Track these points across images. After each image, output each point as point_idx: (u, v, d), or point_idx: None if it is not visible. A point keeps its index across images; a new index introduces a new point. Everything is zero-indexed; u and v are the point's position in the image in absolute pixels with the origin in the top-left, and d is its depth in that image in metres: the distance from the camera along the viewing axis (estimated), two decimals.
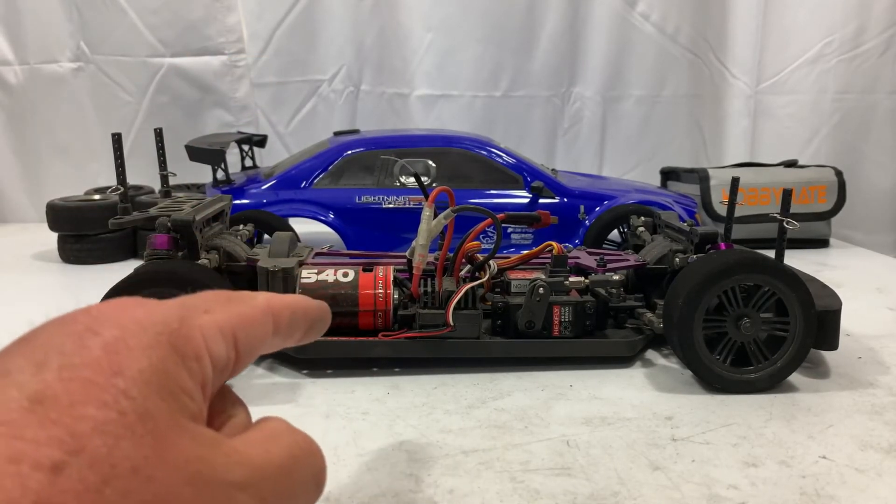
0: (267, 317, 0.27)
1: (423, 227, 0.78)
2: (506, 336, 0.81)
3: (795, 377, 0.77)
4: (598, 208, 1.28)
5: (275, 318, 0.28)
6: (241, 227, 0.99)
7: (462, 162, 1.28)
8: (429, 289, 0.80)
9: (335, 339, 0.79)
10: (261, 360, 0.82)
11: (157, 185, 1.35)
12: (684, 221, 0.92)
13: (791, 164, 1.56)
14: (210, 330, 0.24)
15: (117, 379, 0.20)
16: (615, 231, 1.29)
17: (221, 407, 0.27)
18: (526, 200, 1.27)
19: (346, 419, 0.68)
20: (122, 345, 0.20)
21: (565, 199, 1.28)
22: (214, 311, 0.25)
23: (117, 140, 1.00)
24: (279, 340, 0.29)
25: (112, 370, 0.20)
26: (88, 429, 0.18)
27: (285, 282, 0.80)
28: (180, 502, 0.19)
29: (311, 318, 0.31)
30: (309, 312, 0.30)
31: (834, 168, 1.53)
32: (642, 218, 1.02)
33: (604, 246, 1.25)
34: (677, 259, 0.85)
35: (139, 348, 0.21)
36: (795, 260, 0.97)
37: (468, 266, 0.83)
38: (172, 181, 1.29)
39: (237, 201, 1.21)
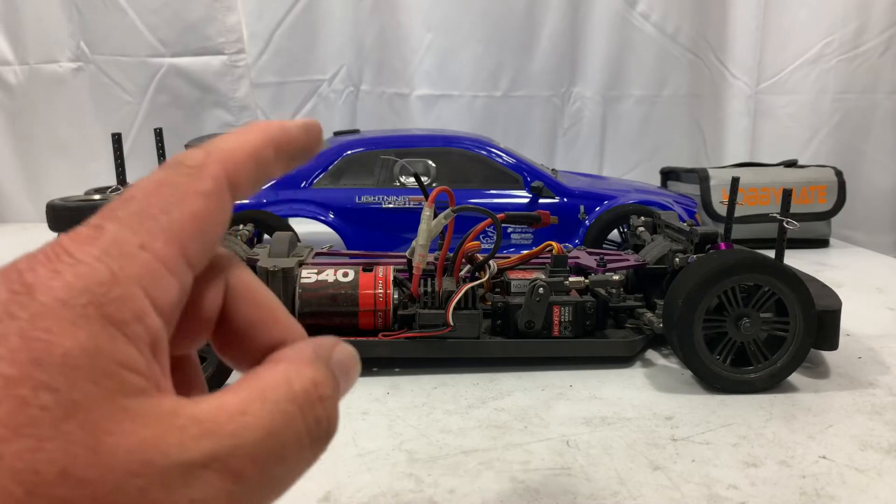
0: (220, 195, 0.22)
1: (423, 227, 0.78)
2: (506, 336, 0.81)
3: (795, 377, 0.77)
4: (598, 208, 1.28)
5: (232, 184, 0.22)
6: (241, 227, 0.99)
7: (462, 162, 1.28)
8: (429, 289, 0.80)
9: None
10: None
11: None
12: (684, 221, 0.92)
13: (791, 164, 1.56)
14: (151, 274, 0.20)
15: (37, 370, 0.17)
16: (615, 231, 1.29)
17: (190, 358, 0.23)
18: (526, 200, 1.27)
19: (345, 419, 0.68)
20: (41, 326, 0.17)
21: (565, 199, 1.28)
22: (152, 238, 0.20)
23: (117, 140, 1.00)
24: (249, 191, 0.23)
25: (31, 360, 0.17)
26: (6, 433, 0.16)
27: (285, 282, 0.80)
28: (128, 499, 0.17)
29: (287, 151, 0.24)
30: (280, 144, 0.24)
31: (834, 168, 1.53)
32: (642, 218, 1.02)
33: (604, 246, 1.25)
34: (677, 259, 0.85)
35: (63, 328, 0.18)
36: (795, 260, 0.97)
37: (468, 266, 0.83)
38: None
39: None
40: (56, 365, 0.17)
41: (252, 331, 0.24)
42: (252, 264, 0.84)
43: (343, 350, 0.24)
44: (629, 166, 1.88)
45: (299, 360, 0.22)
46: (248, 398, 0.20)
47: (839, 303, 0.80)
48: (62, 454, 0.16)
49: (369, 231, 1.24)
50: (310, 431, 0.21)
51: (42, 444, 0.16)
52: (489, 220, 0.80)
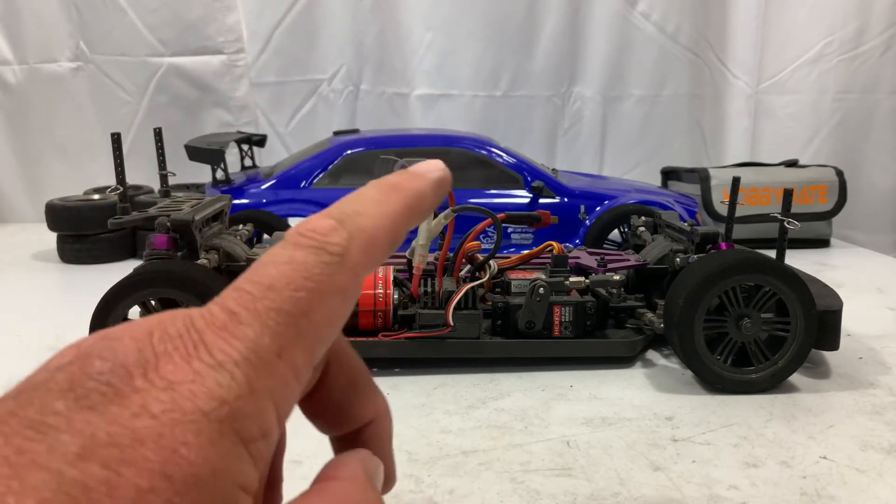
0: (356, 287, 0.20)
1: (423, 226, 0.78)
2: (506, 336, 0.81)
3: (796, 377, 0.77)
4: (598, 208, 1.28)
5: (369, 271, 0.21)
6: (241, 226, 0.99)
7: (462, 162, 1.27)
8: (429, 289, 0.80)
9: None
10: None
11: (156, 185, 1.35)
12: (685, 221, 0.91)
13: (792, 163, 1.56)
14: (284, 387, 0.19)
15: (165, 484, 0.16)
16: (615, 231, 1.28)
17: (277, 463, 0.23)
18: (526, 200, 1.27)
19: None
20: (177, 435, 0.17)
21: (565, 199, 1.28)
22: (290, 346, 0.19)
23: (116, 140, 1.00)
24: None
25: (161, 471, 0.16)
26: None
27: None
28: None
29: (424, 212, 0.23)
30: (422, 209, 0.22)
31: (834, 168, 1.53)
32: (643, 218, 1.02)
33: (604, 246, 1.25)
34: (678, 259, 0.85)
35: (197, 441, 0.17)
36: (796, 260, 0.97)
37: (468, 266, 0.83)
38: (172, 181, 1.29)
39: (237, 201, 1.21)
40: (183, 482, 0.17)
41: (344, 398, 0.24)
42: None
43: (379, 468, 0.23)
44: (629, 166, 1.88)
45: (360, 487, 0.21)
46: None
47: (840, 303, 0.79)
48: None
49: None
50: None
51: None
52: (489, 220, 0.79)
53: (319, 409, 0.24)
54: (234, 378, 0.18)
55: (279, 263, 0.19)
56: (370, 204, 0.21)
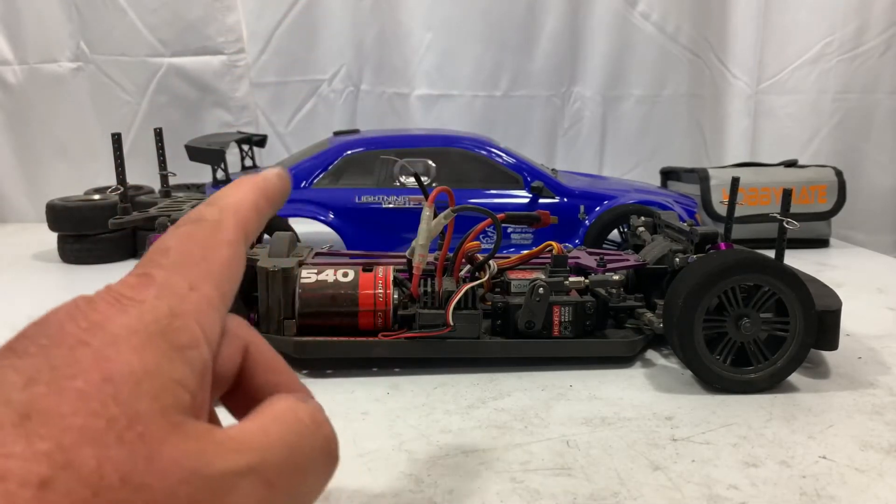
0: (240, 244, 0.26)
1: (423, 227, 0.78)
2: (506, 336, 0.81)
3: (795, 377, 0.77)
4: (598, 208, 1.28)
5: (245, 234, 0.27)
6: None
7: (462, 162, 1.27)
8: (429, 289, 0.80)
9: (335, 339, 0.79)
10: None
11: (156, 185, 1.35)
12: (684, 221, 0.91)
13: (791, 164, 1.56)
14: (202, 311, 0.23)
15: (107, 385, 0.19)
16: (615, 231, 1.28)
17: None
18: (526, 200, 1.27)
19: (346, 419, 0.68)
20: (112, 350, 0.20)
21: (565, 199, 1.28)
22: (198, 282, 0.24)
23: (117, 140, 1.00)
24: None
25: (102, 377, 0.19)
26: (76, 440, 0.18)
27: (285, 282, 0.80)
28: None
29: (273, 199, 0.30)
30: (268, 194, 0.30)
31: (834, 168, 1.53)
32: (642, 218, 1.02)
33: (604, 246, 1.25)
34: (677, 259, 0.85)
35: (130, 350, 0.20)
36: (795, 260, 0.97)
37: (468, 266, 0.83)
38: (172, 181, 1.29)
39: None
40: (123, 381, 0.19)
41: (264, 394, 0.27)
42: (252, 264, 0.84)
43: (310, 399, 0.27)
44: (629, 166, 1.88)
45: (294, 398, 0.26)
46: (266, 423, 0.23)
47: (839, 303, 0.80)
48: (124, 461, 0.18)
49: (369, 231, 1.24)
50: (321, 448, 0.25)
51: (107, 452, 0.18)
52: (489, 220, 0.79)
53: (243, 402, 0.27)
54: (156, 306, 0.22)
55: (169, 237, 0.25)
56: (229, 190, 0.28)
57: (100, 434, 0.18)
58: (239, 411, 0.27)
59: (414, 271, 0.79)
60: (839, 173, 1.51)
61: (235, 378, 0.27)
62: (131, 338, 0.20)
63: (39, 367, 0.19)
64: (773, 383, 0.75)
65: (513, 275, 0.84)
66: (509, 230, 1.25)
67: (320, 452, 0.25)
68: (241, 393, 0.27)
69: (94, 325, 0.21)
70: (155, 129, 1.22)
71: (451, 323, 0.77)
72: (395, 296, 0.80)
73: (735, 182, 0.90)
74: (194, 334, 0.22)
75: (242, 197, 0.28)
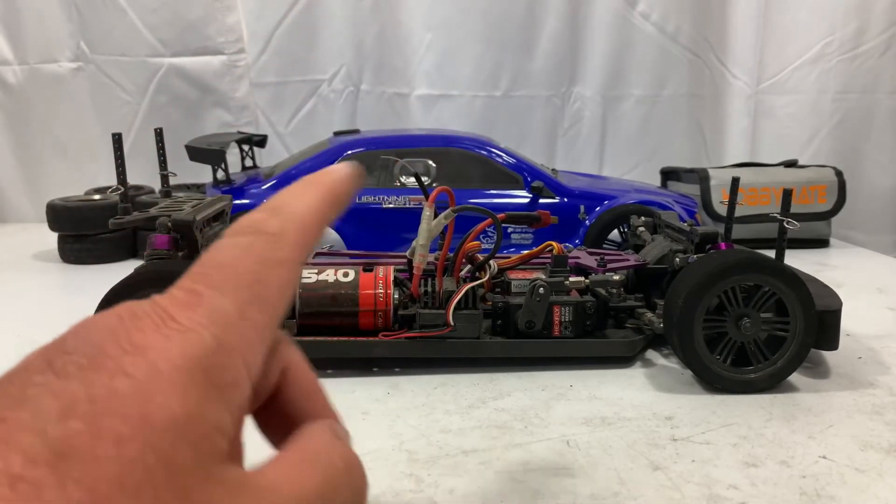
0: (298, 264, 0.24)
1: (423, 227, 0.78)
2: (506, 336, 0.81)
3: (795, 377, 0.77)
4: (598, 208, 1.28)
5: (306, 252, 0.24)
6: None
7: (462, 162, 1.27)
8: (429, 289, 0.80)
9: (335, 339, 0.79)
10: None
11: (157, 185, 1.35)
12: (684, 221, 0.91)
13: (791, 164, 1.56)
14: (248, 343, 0.21)
15: (146, 429, 0.18)
16: (615, 231, 1.28)
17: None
18: (526, 200, 1.27)
19: (345, 419, 0.68)
20: (155, 388, 0.19)
21: (565, 199, 1.28)
22: (249, 309, 0.22)
23: (117, 140, 1.00)
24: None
25: (142, 420, 0.18)
26: (110, 491, 0.17)
27: None
28: None
29: (341, 204, 0.26)
30: (338, 199, 0.26)
31: (834, 168, 1.53)
32: (642, 218, 1.02)
33: (604, 246, 1.25)
34: (677, 259, 0.85)
35: (173, 390, 0.19)
36: (795, 260, 0.97)
37: (468, 266, 0.83)
38: (172, 181, 1.29)
39: (237, 201, 1.21)
40: (163, 427, 0.18)
41: (297, 413, 0.26)
42: None
43: (347, 433, 0.26)
44: (629, 166, 1.88)
45: (329, 435, 0.24)
46: (302, 469, 0.22)
47: (839, 303, 0.80)
48: None
49: (369, 231, 1.24)
50: (355, 496, 0.24)
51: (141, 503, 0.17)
52: (489, 220, 0.80)
53: (273, 421, 0.26)
54: (202, 338, 0.20)
55: (225, 248, 0.23)
56: (296, 196, 0.25)
57: (135, 484, 0.17)
58: (266, 426, 0.26)
59: (414, 271, 0.79)
60: (839, 173, 1.51)
61: (269, 397, 0.26)
62: (174, 375, 0.19)
63: (77, 397, 0.18)
64: (773, 383, 0.75)
65: (513, 275, 0.84)
66: (509, 230, 1.25)
67: (351, 501, 0.24)
68: (271, 410, 0.26)
69: (136, 350, 0.19)
70: (155, 129, 1.22)
71: (452, 323, 0.77)
72: (396, 296, 0.80)
73: (735, 182, 0.90)
74: (238, 373, 0.21)
75: (309, 206, 0.25)
